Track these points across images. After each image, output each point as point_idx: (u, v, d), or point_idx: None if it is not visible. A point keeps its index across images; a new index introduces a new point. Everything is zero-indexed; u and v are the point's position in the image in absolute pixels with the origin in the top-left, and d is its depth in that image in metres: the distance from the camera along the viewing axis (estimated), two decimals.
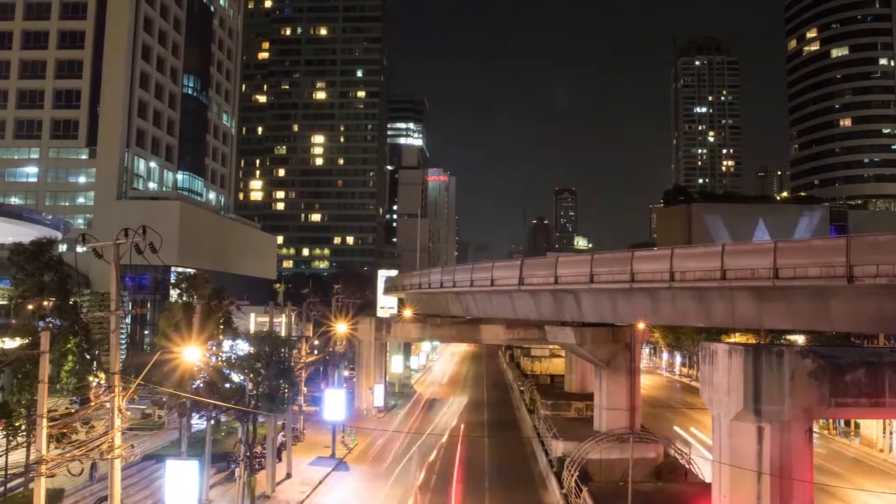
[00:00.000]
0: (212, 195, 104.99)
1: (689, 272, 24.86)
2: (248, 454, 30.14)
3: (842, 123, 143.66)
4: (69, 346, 30.04)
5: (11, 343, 31.73)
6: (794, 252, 21.77)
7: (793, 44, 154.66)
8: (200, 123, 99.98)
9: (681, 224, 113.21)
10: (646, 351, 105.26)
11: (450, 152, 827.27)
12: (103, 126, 79.93)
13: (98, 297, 59.77)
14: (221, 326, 34.87)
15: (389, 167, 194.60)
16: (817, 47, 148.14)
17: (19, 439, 26.67)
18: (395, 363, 71.90)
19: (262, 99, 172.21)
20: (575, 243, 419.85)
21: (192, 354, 25.76)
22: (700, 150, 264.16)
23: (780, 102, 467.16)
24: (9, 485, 28.02)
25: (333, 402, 42.79)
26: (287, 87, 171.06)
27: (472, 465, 40.88)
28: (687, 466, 33.63)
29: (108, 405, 18.33)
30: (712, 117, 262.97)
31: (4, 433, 26.52)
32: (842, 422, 50.81)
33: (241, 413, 29.89)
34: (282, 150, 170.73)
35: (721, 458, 23.11)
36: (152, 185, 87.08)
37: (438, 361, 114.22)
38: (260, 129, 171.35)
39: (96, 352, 32.40)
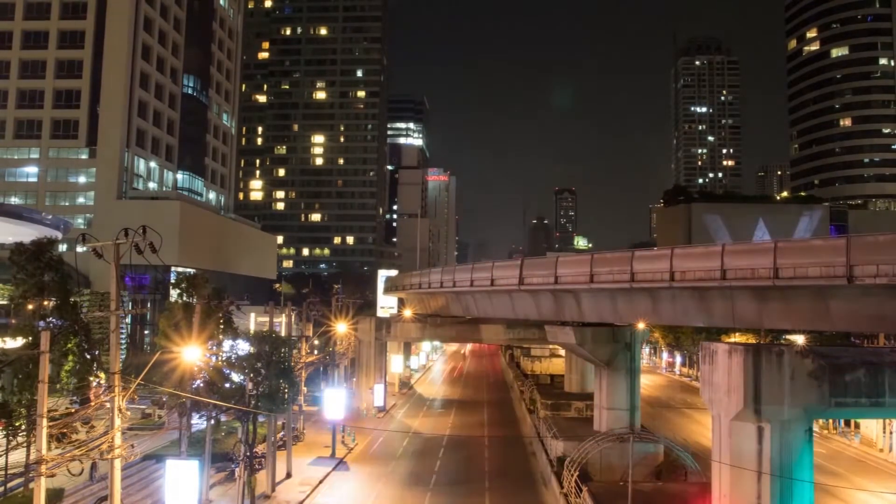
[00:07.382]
0: (212, 195, 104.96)
1: (689, 272, 24.83)
2: (248, 454, 30.14)
3: (842, 123, 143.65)
4: (69, 346, 30.04)
5: (12, 343, 31.74)
6: (794, 252, 21.71)
7: (793, 44, 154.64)
8: (200, 123, 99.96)
9: (681, 224, 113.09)
10: (646, 351, 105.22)
11: (450, 152, 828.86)
12: (103, 126, 79.91)
13: (98, 297, 59.71)
14: (221, 326, 34.81)
15: (389, 167, 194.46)
16: (817, 47, 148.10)
17: (19, 439, 26.67)
18: (395, 363, 71.88)
19: (262, 99, 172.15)
20: (575, 243, 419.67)
21: (192, 354, 25.77)
22: (700, 150, 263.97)
23: (780, 102, 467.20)
24: (9, 485, 28.02)
25: (333, 402, 42.84)
26: (287, 87, 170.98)
27: (474, 463, 40.95)
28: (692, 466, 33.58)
29: (108, 405, 18.33)
30: (712, 117, 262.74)
31: (4, 433, 26.51)
32: (842, 422, 50.80)
33: (241, 413, 29.88)
34: (282, 150, 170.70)
35: (721, 458, 23.11)
36: (152, 185, 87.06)
37: (438, 361, 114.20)
38: (260, 129, 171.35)
39: (96, 352, 32.36)
